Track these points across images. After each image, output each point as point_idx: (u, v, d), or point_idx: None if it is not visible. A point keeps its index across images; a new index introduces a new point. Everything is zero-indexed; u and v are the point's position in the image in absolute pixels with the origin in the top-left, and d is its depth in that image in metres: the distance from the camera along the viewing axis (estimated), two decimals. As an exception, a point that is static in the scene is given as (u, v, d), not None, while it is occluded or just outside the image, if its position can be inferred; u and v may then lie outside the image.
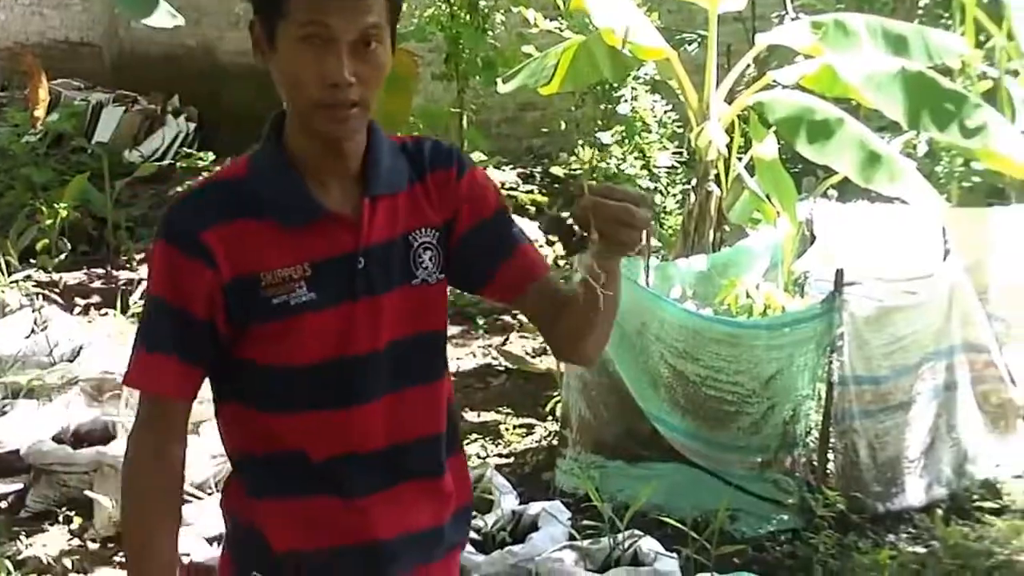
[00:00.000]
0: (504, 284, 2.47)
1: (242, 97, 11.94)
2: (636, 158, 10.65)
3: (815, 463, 5.81)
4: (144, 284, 2.36)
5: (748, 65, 7.33)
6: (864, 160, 6.03)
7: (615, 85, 10.48)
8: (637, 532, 5.04)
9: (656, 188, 10.77)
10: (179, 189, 11.72)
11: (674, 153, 10.83)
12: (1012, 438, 6.52)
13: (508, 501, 5.42)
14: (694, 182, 7.12)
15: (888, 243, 6.78)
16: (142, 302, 2.49)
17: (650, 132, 10.65)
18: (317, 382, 2.33)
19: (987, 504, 6.01)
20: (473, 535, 5.08)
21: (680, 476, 5.87)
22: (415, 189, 2.39)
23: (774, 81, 6.89)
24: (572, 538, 5.10)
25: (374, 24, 2.21)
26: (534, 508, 5.33)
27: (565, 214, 2.16)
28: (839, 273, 5.63)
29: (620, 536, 4.99)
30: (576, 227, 2.14)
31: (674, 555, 4.94)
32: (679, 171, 10.75)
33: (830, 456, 5.83)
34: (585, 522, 5.29)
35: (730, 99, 7.14)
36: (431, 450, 2.46)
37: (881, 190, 6.10)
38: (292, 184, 2.29)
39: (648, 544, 4.99)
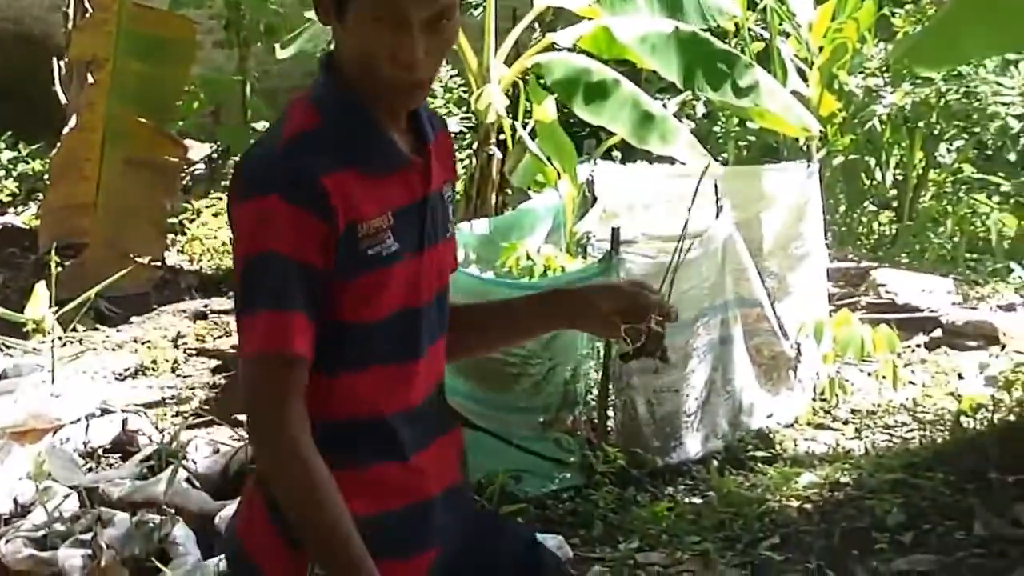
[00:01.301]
0: (452, 260, 2.56)
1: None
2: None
3: (595, 421, 5.93)
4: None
5: (533, 29, 7.40)
6: (637, 121, 6.15)
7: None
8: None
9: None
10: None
11: (463, 119, 10.87)
12: (783, 389, 6.74)
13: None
14: (476, 146, 7.16)
15: (666, 202, 6.91)
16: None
17: (435, 97, 10.67)
18: (388, 336, 2.30)
19: (760, 453, 6.21)
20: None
21: (465, 439, 5.90)
22: (434, 143, 2.39)
23: (554, 44, 6.96)
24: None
25: (447, 8, 2.21)
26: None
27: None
28: (615, 232, 5.74)
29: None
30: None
31: (457, 516, 4.98)
32: (467, 136, 10.80)
33: (610, 414, 5.97)
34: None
35: (513, 63, 7.19)
36: (444, 400, 2.51)
37: (654, 150, 6.24)
38: (374, 131, 2.28)
39: (431, 506, 5.01)
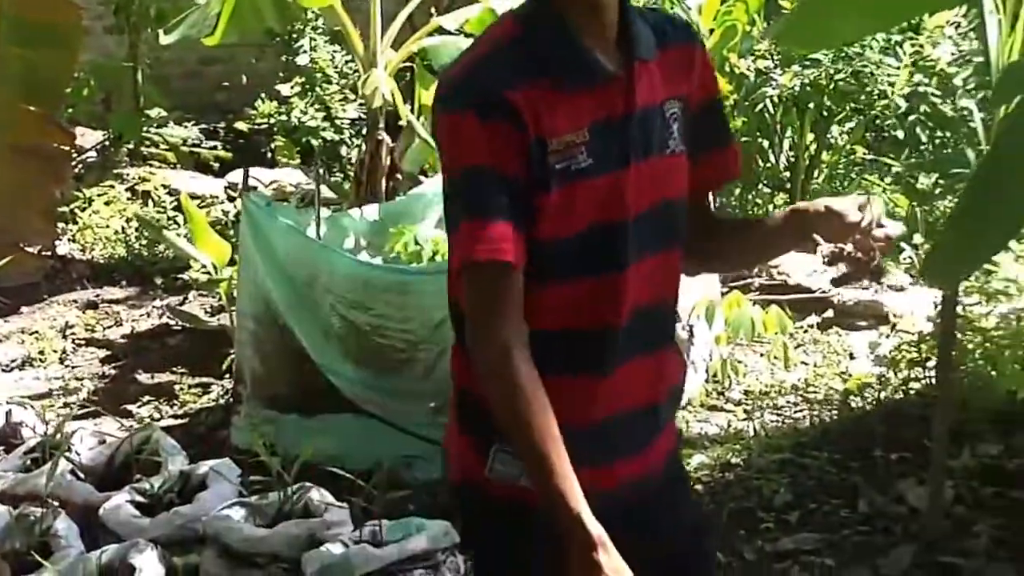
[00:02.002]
0: (702, 175, 2.48)
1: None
2: (318, 110, 10.60)
3: (485, 406, 5.90)
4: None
5: (431, 13, 7.34)
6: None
7: (294, 36, 10.39)
8: (308, 484, 5.03)
9: (342, 140, 10.75)
10: None
11: (361, 104, 10.80)
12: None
13: (176, 462, 5.34)
14: (365, 131, 7.12)
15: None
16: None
17: (331, 83, 10.60)
18: (583, 250, 2.28)
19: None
20: (139, 498, 5.03)
21: (356, 426, 5.90)
22: (662, 56, 2.35)
23: (440, 27, 6.92)
24: (242, 495, 5.07)
25: None
26: (202, 468, 5.27)
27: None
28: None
29: (290, 490, 4.97)
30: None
31: (345, 505, 4.96)
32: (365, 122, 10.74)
33: (498, 398, 5.92)
34: (257, 478, 5.25)
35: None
36: (668, 319, 2.47)
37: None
38: (573, 45, 2.24)
39: (319, 496, 4.99)
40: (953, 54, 8.63)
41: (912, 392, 6.36)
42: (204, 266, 7.19)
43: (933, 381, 5.75)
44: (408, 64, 7.65)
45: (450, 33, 6.91)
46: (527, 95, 2.19)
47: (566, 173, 2.22)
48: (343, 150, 10.61)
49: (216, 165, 11.00)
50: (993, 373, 5.75)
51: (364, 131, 10.29)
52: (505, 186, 2.19)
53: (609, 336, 2.33)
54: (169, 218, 9.55)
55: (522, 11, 2.31)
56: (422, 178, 7.49)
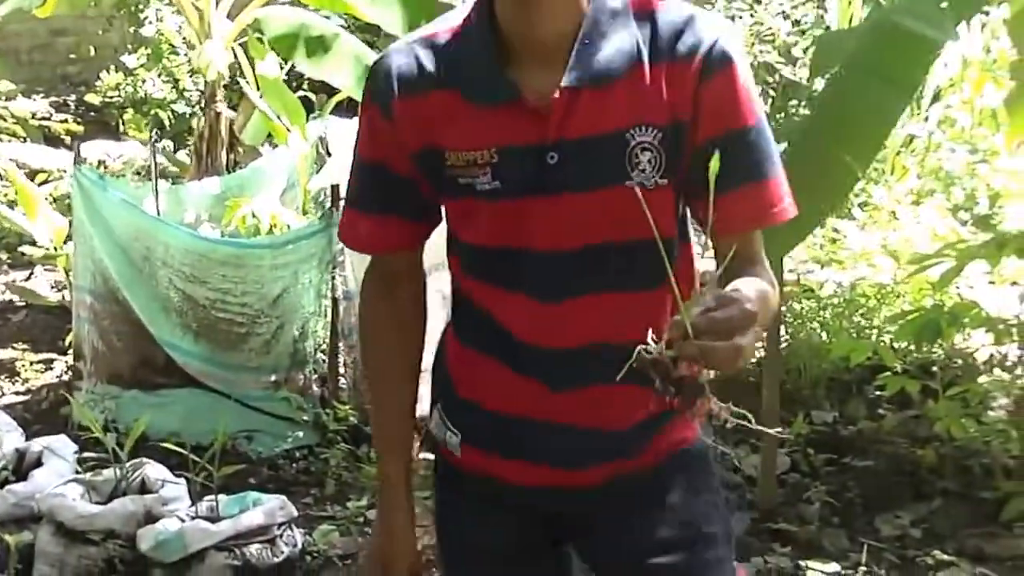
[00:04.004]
0: (725, 216, 1.96)
1: None
2: (165, 82, 10.50)
3: (326, 379, 5.96)
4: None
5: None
6: (361, 74, 6.13)
7: (140, 6, 10.28)
8: (144, 460, 5.04)
9: (193, 113, 10.67)
10: None
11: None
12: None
13: (12, 439, 5.31)
14: (202, 104, 7.10)
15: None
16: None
17: (178, 54, 10.51)
18: (494, 263, 2.15)
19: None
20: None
21: (196, 401, 5.91)
22: (642, 74, 2.01)
23: (276, -3, 6.92)
24: (78, 472, 5.07)
25: None
26: (38, 445, 5.24)
27: (666, 352, 1.73)
28: (335, 188, 5.75)
29: (126, 466, 4.98)
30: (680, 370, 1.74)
31: (181, 480, 4.97)
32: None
33: (340, 371, 5.99)
34: (95, 455, 5.26)
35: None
36: (618, 358, 1.89)
37: (376, 103, 6.22)
38: (487, 59, 2.03)
39: (155, 472, 4.99)
40: (794, 23, 8.81)
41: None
42: (42, 242, 7.13)
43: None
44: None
45: (283, 3, 6.89)
46: (416, 105, 2.08)
47: (470, 189, 2.08)
48: (194, 123, 10.53)
49: (67, 139, 10.85)
50: (828, 341, 5.89)
51: (197, 103, 10.30)
52: (376, 176, 2.18)
53: (531, 351, 2.17)
54: (17, 193, 9.40)
55: (475, 5, 2.11)
56: (262, 150, 7.48)
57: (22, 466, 5.14)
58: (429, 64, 2.08)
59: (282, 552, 4.68)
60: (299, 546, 4.77)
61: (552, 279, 2.09)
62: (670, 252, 2.01)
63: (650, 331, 1.75)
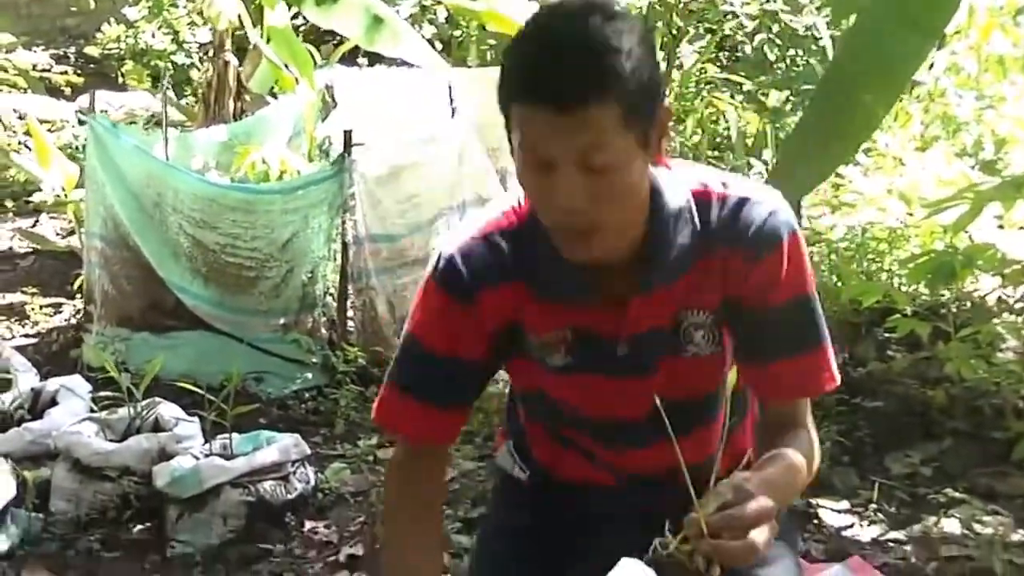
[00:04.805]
0: (763, 386, 2.13)
1: None
2: (166, 34, 10.50)
3: (335, 322, 5.99)
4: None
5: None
6: (368, 24, 6.13)
7: (141, -41, 10.30)
8: (158, 400, 5.07)
9: (192, 64, 10.67)
10: None
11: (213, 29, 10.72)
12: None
13: (27, 379, 5.35)
14: (211, 53, 7.10)
15: (405, 105, 6.96)
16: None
17: (177, 7, 10.50)
18: (559, 420, 2.24)
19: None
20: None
21: (206, 343, 5.95)
22: (699, 267, 2.04)
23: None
24: (93, 411, 5.10)
25: (594, 143, 1.81)
26: (53, 384, 5.28)
27: (680, 548, 1.78)
28: (347, 135, 5.78)
29: (139, 405, 5.01)
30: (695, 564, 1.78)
31: (195, 419, 5.01)
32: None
33: (350, 314, 6.02)
34: (107, 394, 5.28)
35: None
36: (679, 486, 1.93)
37: (384, 52, 6.23)
38: (558, 259, 1.99)
39: (169, 411, 5.03)
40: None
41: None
42: (53, 189, 7.16)
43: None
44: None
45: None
46: (498, 294, 2.08)
47: (544, 364, 2.13)
48: (193, 73, 10.54)
49: (67, 90, 10.86)
50: (839, 284, 5.91)
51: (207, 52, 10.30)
52: (437, 365, 2.13)
53: (592, 487, 2.29)
54: (19, 143, 9.44)
55: None
56: (269, 99, 7.49)
57: (37, 405, 5.18)
58: (502, 257, 2.07)
59: (295, 489, 4.72)
60: (312, 483, 4.82)
61: (616, 439, 2.19)
62: (722, 400, 2.11)
63: (667, 523, 1.80)
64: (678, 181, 2.03)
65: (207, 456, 4.72)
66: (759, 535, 1.75)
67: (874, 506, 4.48)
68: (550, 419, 2.27)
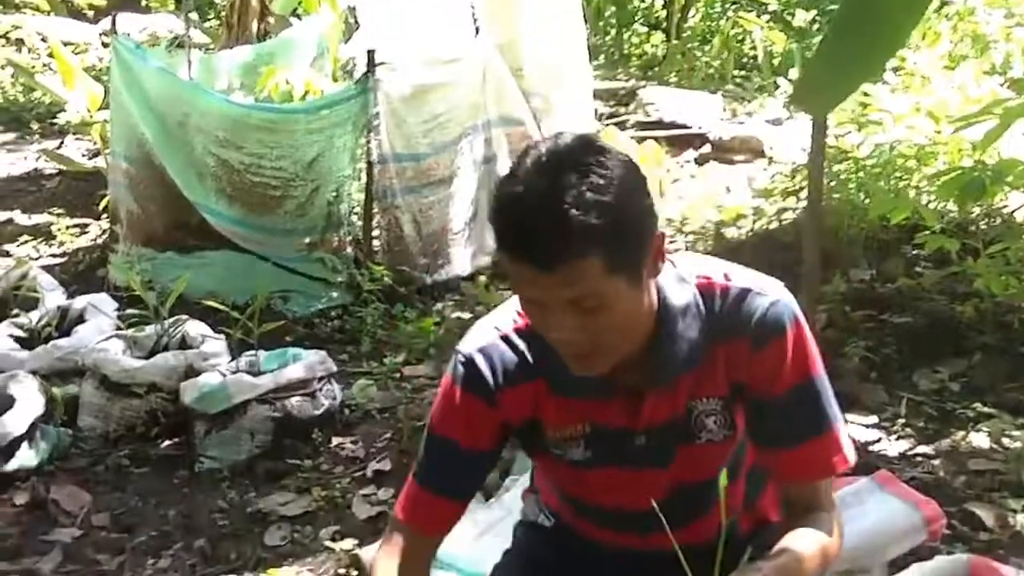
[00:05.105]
0: (775, 470, 2.17)
1: None
2: (190, -45, 10.44)
3: (361, 240, 5.99)
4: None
5: None
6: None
7: None
8: (184, 317, 5.09)
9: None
10: None
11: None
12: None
13: (54, 297, 5.38)
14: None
15: (427, 25, 6.91)
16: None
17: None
18: (582, 508, 2.29)
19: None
20: (17, 332, 5.06)
21: (232, 262, 5.96)
22: (706, 357, 2.09)
23: None
24: (119, 329, 5.12)
25: (580, 295, 1.85)
26: (80, 302, 5.31)
27: None
28: (370, 55, 5.74)
29: (166, 322, 5.03)
30: None
31: (221, 336, 5.02)
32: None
33: (375, 233, 6.02)
34: (133, 311, 5.30)
35: None
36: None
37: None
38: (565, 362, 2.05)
39: (195, 328, 5.05)
40: None
41: (785, 221, 6.48)
42: (78, 110, 7.15)
43: (804, 209, 5.86)
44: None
45: None
46: (517, 393, 2.14)
47: (562, 458, 2.19)
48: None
49: (90, 12, 10.83)
50: (866, 201, 5.87)
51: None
52: (454, 457, 2.19)
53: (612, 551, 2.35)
54: (44, 64, 9.43)
55: None
56: (293, 20, 7.44)
57: (65, 322, 5.21)
58: (520, 357, 2.12)
59: (322, 405, 4.74)
60: (338, 399, 4.84)
61: (635, 526, 2.21)
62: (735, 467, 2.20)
63: None
64: (683, 276, 2.07)
65: (234, 373, 4.74)
66: None
67: (902, 421, 4.46)
68: (571, 503, 2.33)
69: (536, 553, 2.41)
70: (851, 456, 2.12)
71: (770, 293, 2.06)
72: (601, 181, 1.81)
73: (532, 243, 1.81)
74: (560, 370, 2.05)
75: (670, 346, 2.05)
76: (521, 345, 2.12)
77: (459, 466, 2.19)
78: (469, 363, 2.13)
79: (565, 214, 1.78)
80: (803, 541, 2.04)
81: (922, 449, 4.30)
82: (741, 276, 2.09)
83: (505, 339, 2.13)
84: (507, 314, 2.16)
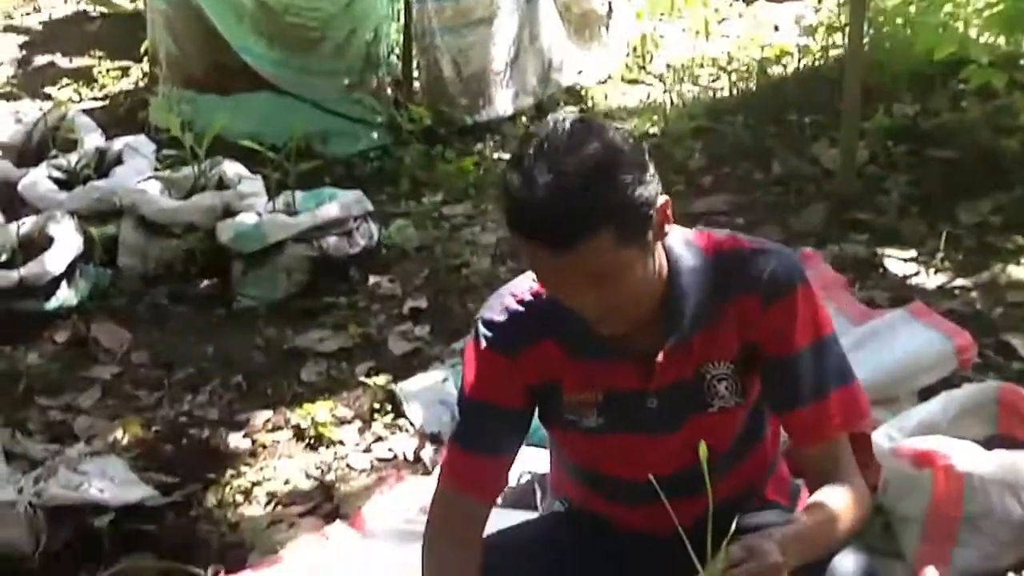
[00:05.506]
0: (793, 432, 2.23)
1: None
2: None
3: (400, 81, 5.94)
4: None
5: None
6: None
7: None
8: (221, 158, 5.08)
9: None
10: None
11: None
12: (595, 46, 6.78)
13: (92, 139, 5.38)
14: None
15: None
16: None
17: None
18: (596, 480, 2.34)
19: (570, 108, 6.27)
20: (56, 173, 5.09)
21: (271, 104, 5.93)
22: (716, 315, 2.15)
23: None
24: (157, 170, 5.13)
25: (591, 270, 1.93)
26: (118, 144, 5.32)
27: None
28: None
29: (204, 164, 5.03)
30: None
31: (258, 177, 5.02)
32: None
33: (415, 74, 5.97)
34: (172, 152, 5.31)
35: None
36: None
37: None
38: (582, 321, 2.09)
39: (233, 169, 5.05)
40: None
41: (831, 59, 6.37)
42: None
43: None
44: None
45: None
46: (534, 355, 2.19)
47: (576, 425, 2.23)
48: None
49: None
50: (911, 35, 5.75)
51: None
52: (492, 417, 2.23)
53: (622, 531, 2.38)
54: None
55: None
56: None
57: (103, 164, 5.22)
58: (538, 318, 2.17)
59: (358, 244, 4.75)
60: (375, 238, 4.84)
61: (647, 499, 2.14)
62: (746, 439, 2.28)
63: None
64: (689, 239, 2.15)
65: (271, 213, 4.75)
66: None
67: (941, 255, 4.43)
68: (585, 480, 2.37)
69: (551, 534, 2.44)
70: (868, 412, 2.22)
71: (780, 253, 2.16)
72: (603, 159, 1.88)
73: (543, 228, 1.89)
74: (575, 332, 2.13)
75: (682, 303, 2.11)
76: (537, 308, 2.18)
77: (501, 423, 2.23)
78: (489, 324, 2.20)
79: (571, 197, 1.86)
80: (826, 508, 2.10)
81: (960, 282, 4.28)
82: (750, 240, 2.19)
83: (522, 303, 2.20)
84: (523, 281, 2.23)
